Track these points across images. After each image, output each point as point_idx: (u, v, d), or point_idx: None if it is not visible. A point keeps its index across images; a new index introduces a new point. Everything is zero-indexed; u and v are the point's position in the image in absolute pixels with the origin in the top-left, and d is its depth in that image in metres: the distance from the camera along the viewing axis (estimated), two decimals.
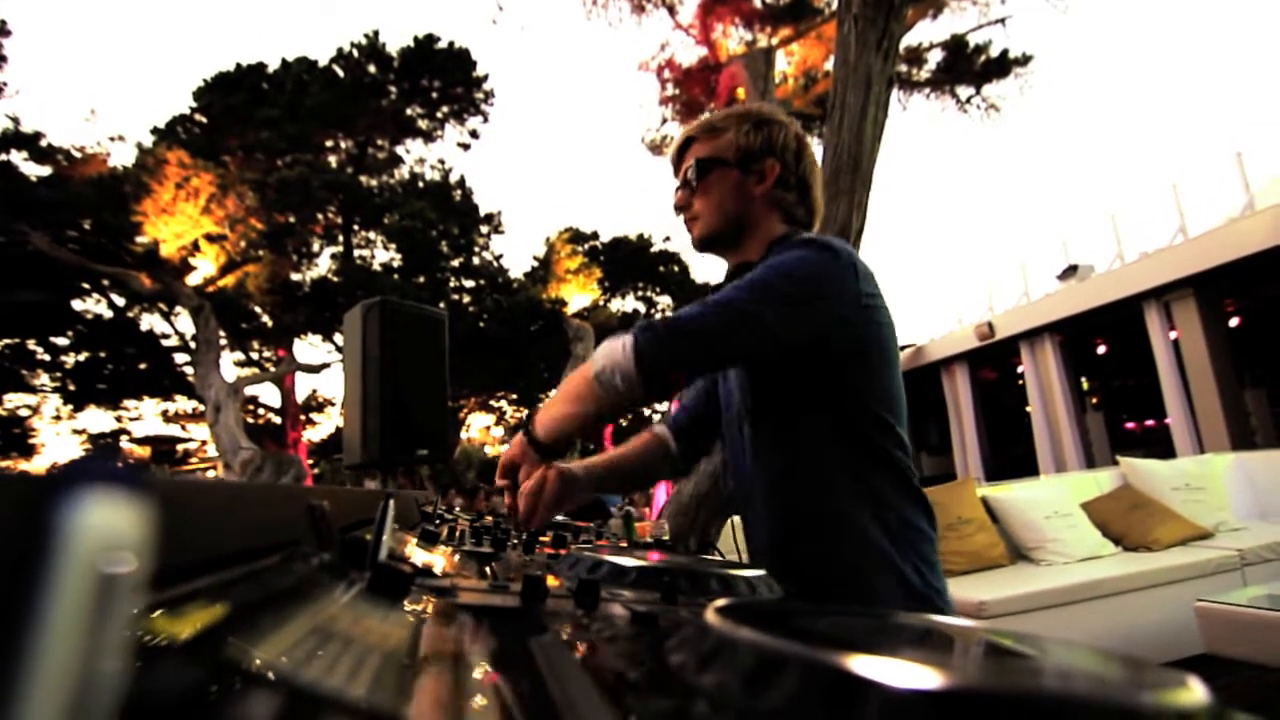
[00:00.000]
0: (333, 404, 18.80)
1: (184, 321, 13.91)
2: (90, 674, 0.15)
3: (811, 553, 1.01)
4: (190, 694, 0.19)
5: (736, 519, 1.44)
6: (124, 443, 16.88)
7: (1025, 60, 11.69)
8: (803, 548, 1.02)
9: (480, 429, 23.08)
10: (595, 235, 18.10)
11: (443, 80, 15.94)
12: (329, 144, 15.77)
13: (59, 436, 16.44)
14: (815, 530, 1.01)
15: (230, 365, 16.08)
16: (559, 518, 1.63)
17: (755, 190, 1.09)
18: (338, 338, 14.78)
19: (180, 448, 18.22)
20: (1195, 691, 0.26)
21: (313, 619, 0.31)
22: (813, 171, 1.15)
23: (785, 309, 0.90)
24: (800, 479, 1.01)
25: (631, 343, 0.88)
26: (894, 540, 0.97)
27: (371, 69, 15.49)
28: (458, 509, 2.22)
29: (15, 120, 12.31)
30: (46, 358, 14.26)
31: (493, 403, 20.24)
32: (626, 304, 19.13)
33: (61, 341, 14.14)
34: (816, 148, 1.35)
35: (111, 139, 13.90)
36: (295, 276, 14.55)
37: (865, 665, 0.25)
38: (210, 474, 17.08)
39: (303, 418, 17.10)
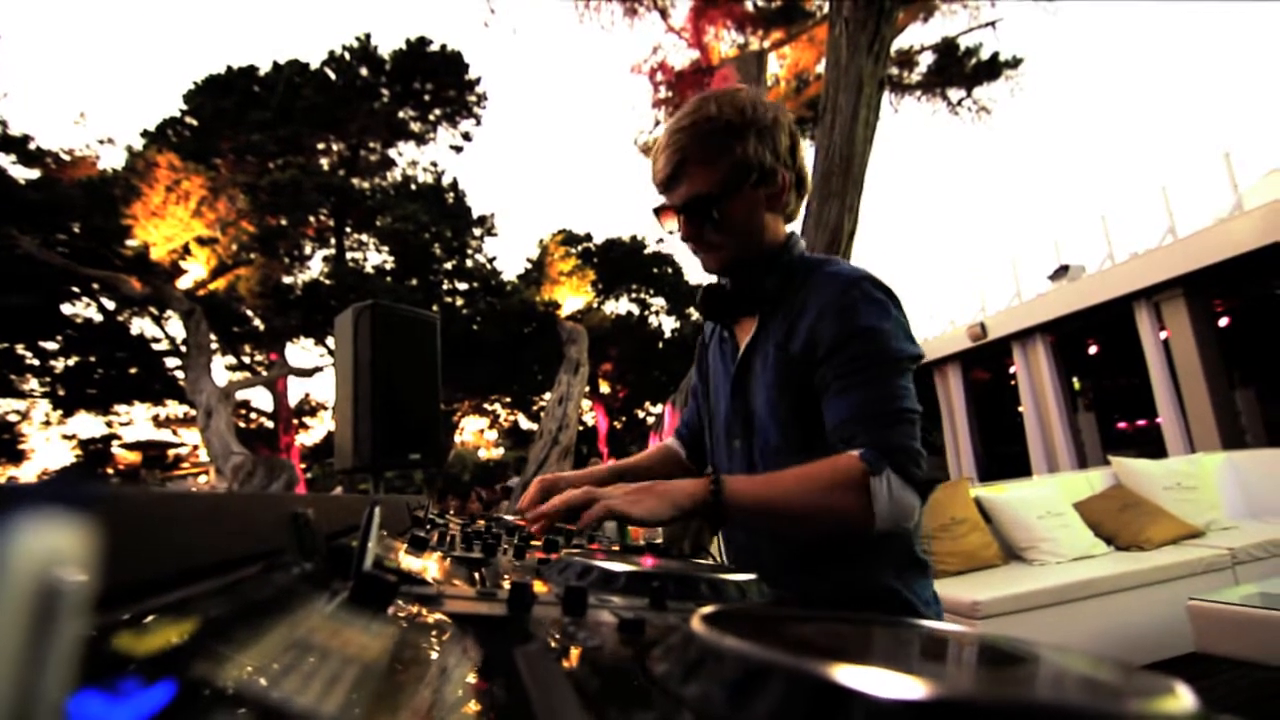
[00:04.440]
0: (326, 408, 18.72)
1: (175, 325, 13.84)
2: (31, 690, 0.14)
3: (811, 569, 1.03)
4: (154, 711, 0.18)
5: None
6: (115, 448, 16.76)
7: (1016, 63, 11.76)
8: (804, 564, 1.04)
9: (474, 432, 23.04)
10: (589, 237, 18.11)
11: (435, 83, 15.91)
12: (321, 147, 15.71)
13: (49, 442, 16.31)
14: (819, 550, 1.02)
15: (221, 369, 16.01)
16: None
17: (770, 203, 1.05)
18: (330, 341, 14.70)
19: (171, 453, 18.09)
20: (1183, 698, 0.26)
21: (291, 631, 0.30)
22: (805, 161, 1.09)
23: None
24: None
25: (915, 492, 0.90)
26: (898, 570, 1.02)
27: (363, 72, 15.44)
28: (450, 513, 2.21)
29: (3, 123, 12.22)
30: (36, 362, 14.13)
31: (486, 406, 20.19)
32: (620, 306, 19.15)
33: (51, 346, 14.02)
34: (807, 150, 1.35)
35: (101, 142, 13.84)
36: (287, 279, 14.49)
37: (850, 675, 0.24)
38: (202, 479, 16.99)
39: (295, 422, 17.00)
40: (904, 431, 0.92)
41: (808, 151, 1.18)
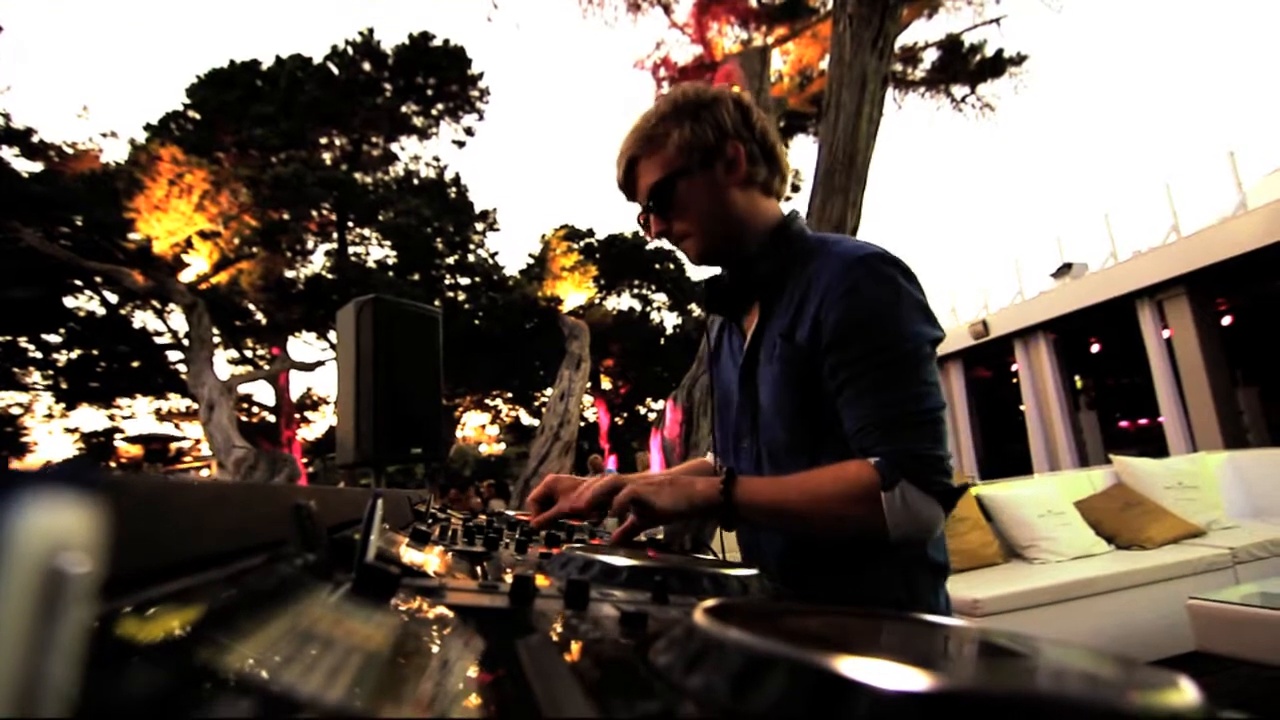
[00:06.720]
0: (328, 402, 18.75)
1: (177, 319, 13.86)
2: (37, 674, 0.14)
3: (828, 563, 0.98)
4: (157, 698, 0.18)
5: None
6: (117, 441, 16.80)
7: (1020, 60, 11.71)
8: (819, 558, 0.99)
9: (475, 427, 23.07)
10: (591, 232, 18.10)
11: (437, 78, 15.88)
12: (323, 141, 15.69)
13: (51, 435, 16.37)
14: (826, 553, 0.98)
15: (224, 363, 16.05)
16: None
17: (730, 180, 1.00)
18: (332, 335, 14.71)
19: (173, 446, 18.13)
20: (1186, 692, 0.26)
21: (293, 621, 0.30)
22: (769, 128, 1.05)
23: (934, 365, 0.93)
24: None
25: (936, 502, 0.85)
26: (906, 578, 0.97)
27: (366, 66, 15.42)
28: (450, 508, 2.22)
29: (6, 116, 12.24)
30: (38, 355, 14.17)
31: (488, 401, 20.22)
32: (622, 302, 19.15)
33: (53, 339, 14.06)
34: (811, 146, 1.32)
35: (104, 135, 13.86)
36: (289, 274, 14.49)
37: (852, 666, 0.24)
38: (204, 473, 17.01)
39: (297, 416, 17.04)
40: (924, 434, 0.86)
41: (802, 146, 1.15)
